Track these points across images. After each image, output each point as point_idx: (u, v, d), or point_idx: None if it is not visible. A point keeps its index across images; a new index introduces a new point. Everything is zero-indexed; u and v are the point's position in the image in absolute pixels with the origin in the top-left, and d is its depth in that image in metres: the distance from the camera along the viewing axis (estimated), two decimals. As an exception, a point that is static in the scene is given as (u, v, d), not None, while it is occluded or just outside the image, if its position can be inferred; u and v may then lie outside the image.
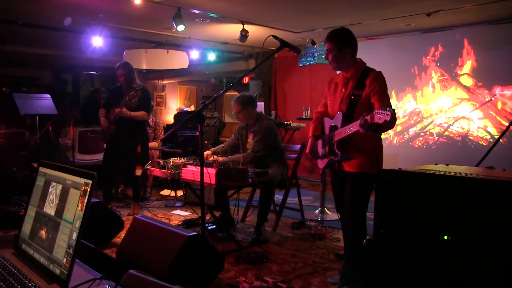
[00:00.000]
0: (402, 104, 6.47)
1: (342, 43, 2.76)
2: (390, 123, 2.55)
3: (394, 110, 2.62)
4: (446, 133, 5.99)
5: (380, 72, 2.75)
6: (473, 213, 1.65)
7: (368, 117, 2.35)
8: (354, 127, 2.56)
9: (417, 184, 1.84)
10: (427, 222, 1.79)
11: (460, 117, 5.85)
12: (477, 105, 5.68)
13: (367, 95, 2.69)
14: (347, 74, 2.82)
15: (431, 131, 6.16)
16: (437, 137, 6.09)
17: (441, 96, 6.03)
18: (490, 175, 1.81)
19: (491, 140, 5.52)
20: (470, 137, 5.76)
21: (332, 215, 4.75)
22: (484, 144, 5.61)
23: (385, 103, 2.60)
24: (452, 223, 1.71)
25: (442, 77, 6.02)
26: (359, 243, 2.79)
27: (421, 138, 6.27)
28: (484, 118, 5.63)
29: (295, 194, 4.59)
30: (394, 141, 6.56)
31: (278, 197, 4.58)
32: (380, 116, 2.27)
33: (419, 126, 6.30)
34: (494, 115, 5.54)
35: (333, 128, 2.83)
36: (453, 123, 5.92)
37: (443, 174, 1.81)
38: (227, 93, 9.00)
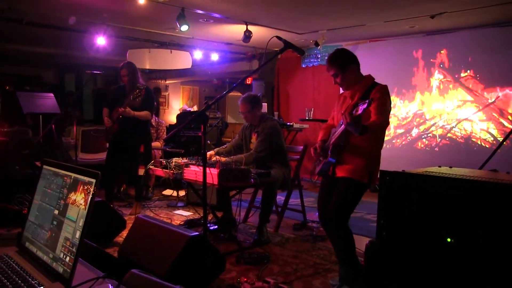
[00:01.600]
0: (405, 106, 6.46)
1: (345, 62, 2.82)
2: (376, 124, 2.57)
3: (385, 117, 2.65)
4: (449, 135, 5.98)
5: (385, 86, 2.80)
6: (477, 216, 1.65)
7: (354, 111, 2.41)
8: (342, 126, 2.60)
9: (420, 187, 1.84)
10: (430, 224, 1.79)
11: (463, 119, 5.84)
12: (480, 107, 5.67)
13: None
14: (355, 87, 2.86)
15: (433, 133, 6.15)
16: (439, 139, 6.08)
17: (444, 98, 6.02)
18: (494, 178, 1.81)
19: (494, 142, 5.51)
20: (473, 139, 5.75)
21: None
22: (487, 146, 5.60)
23: (381, 112, 2.64)
24: (455, 226, 1.71)
25: (445, 79, 6.01)
26: (348, 247, 2.80)
27: (423, 140, 6.26)
28: (487, 120, 5.62)
29: (297, 195, 4.58)
30: (397, 143, 6.55)
31: (280, 198, 4.57)
32: (361, 107, 2.33)
33: (421, 128, 6.29)
34: (497, 117, 5.53)
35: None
36: (456, 125, 5.91)
37: (446, 176, 1.81)
38: (229, 94, 9.01)
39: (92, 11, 5.27)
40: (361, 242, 2.86)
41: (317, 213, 4.91)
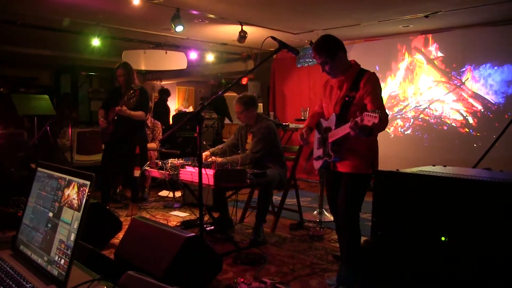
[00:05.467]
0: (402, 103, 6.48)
1: (335, 49, 2.78)
2: (381, 126, 2.55)
3: (385, 112, 2.62)
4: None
5: (374, 74, 2.75)
6: (471, 215, 1.66)
7: (358, 119, 2.35)
8: (345, 129, 2.55)
9: (414, 186, 1.84)
10: (424, 223, 1.80)
11: (464, 124, 5.86)
12: (482, 109, 5.70)
13: (361, 96, 2.69)
14: (342, 76, 2.82)
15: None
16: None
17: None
18: (488, 176, 1.82)
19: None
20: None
21: (330, 216, 4.74)
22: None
23: (378, 104, 2.60)
24: (449, 225, 1.72)
25: (441, 77, 6.03)
26: (354, 244, 2.80)
27: (422, 136, 6.27)
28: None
29: (294, 195, 4.59)
30: (390, 138, 6.56)
31: (276, 198, 4.58)
32: (369, 119, 2.27)
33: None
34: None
35: (327, 129, 2.83)
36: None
37: (440, 175, 1.82)
38: (226, 94, 9.00)
39: (87, 12, 5.26)
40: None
41: (314, 212, 4.95)
